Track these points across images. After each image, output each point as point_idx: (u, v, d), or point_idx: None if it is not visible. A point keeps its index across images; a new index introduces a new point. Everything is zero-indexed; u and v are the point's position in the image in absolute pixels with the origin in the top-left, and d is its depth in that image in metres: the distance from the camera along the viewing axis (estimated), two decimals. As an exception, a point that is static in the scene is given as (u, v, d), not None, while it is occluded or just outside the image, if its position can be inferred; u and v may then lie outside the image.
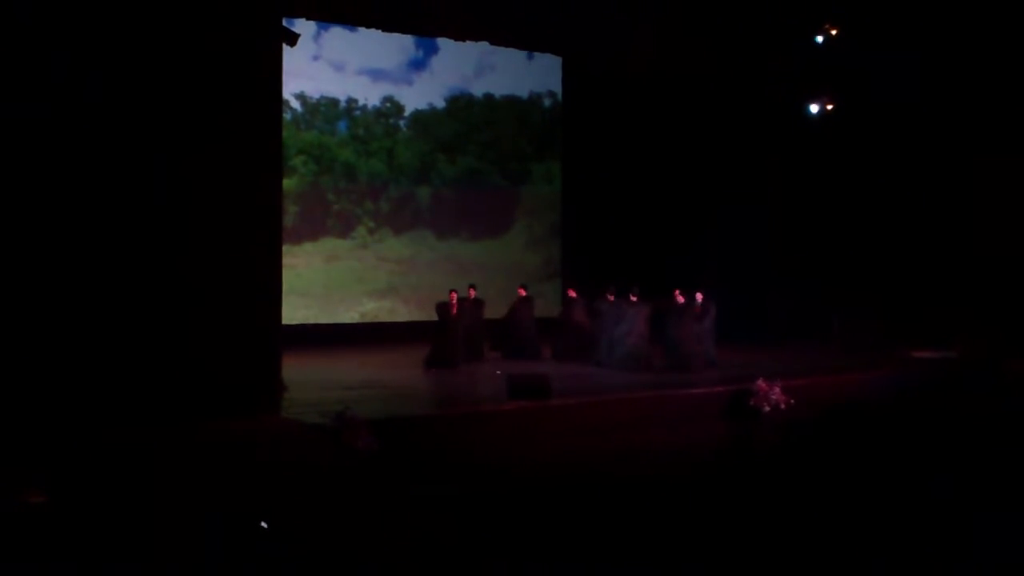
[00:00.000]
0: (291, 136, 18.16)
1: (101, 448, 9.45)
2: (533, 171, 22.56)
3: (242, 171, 11.63)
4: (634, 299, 16.17)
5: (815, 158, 19.85)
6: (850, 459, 10.94)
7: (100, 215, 10.82)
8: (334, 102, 19.83)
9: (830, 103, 19.11)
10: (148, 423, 10.26)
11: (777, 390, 13.43)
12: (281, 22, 12.73)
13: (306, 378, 13.83)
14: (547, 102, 22.70)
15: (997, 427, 12.86)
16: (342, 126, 19.98)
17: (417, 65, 20.95)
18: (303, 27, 16.68)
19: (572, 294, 17.81)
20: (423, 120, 20.97)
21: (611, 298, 16.54)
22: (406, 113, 20.72)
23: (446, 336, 16.05)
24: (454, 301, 16.14)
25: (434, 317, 16.34)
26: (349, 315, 19.97)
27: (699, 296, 16.32)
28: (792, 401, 13.41)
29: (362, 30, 19.81)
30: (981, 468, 10.36)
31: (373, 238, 20.37)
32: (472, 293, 17.05)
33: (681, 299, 16.11)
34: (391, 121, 20.58)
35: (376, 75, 20.37)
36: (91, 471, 8.88)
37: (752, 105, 19.66)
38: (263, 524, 6.09)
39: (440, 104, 21.20)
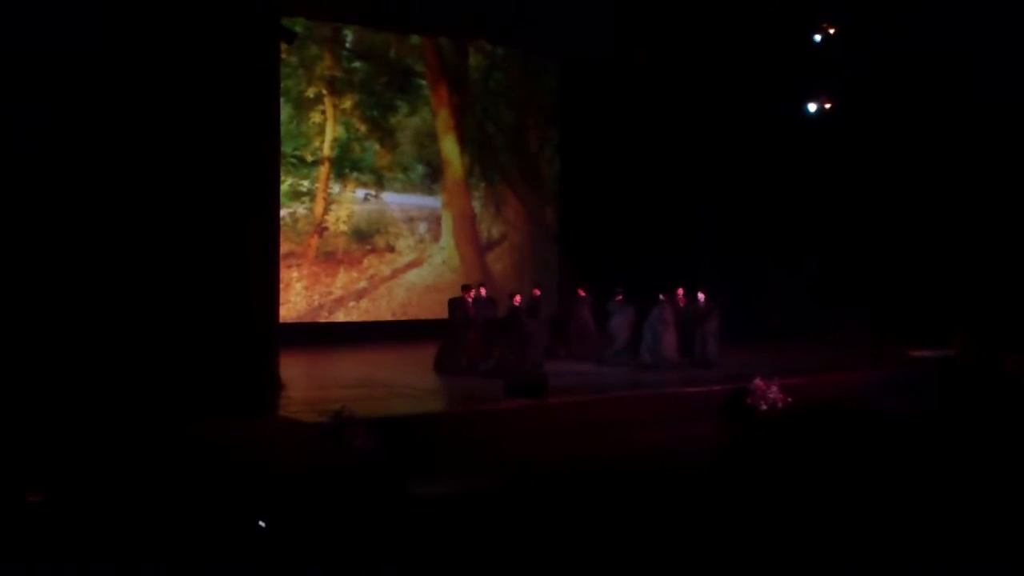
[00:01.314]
0: (287, 134, 18.13)
1: (98, 446, 9.45)
2: (531, 170, 22.55)
3: (239, 169, 11.63)
4: (582, 294, 17.14)
5: (813, 157, 19.85)
6: (845, 460, 10.92)
7: (98, 216, 10.83)
8: (330, 101, 19.78)
9: (828, 102, 19.12)
10: (145, 421, 10.26)
11: (775, 388, 13.44)
12: (279, 21, 12.75)
13: (303, 377, 13.83)
14: (544, 101, 22.69)
15: (996, 425, 12.84)
16: (338, 124, 19.94)
17: (414, 64, 20.94)
18: (299, 26, 16.68)
19: (581, 293, 17.82)
20: (420, 119, 20.95)
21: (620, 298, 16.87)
22: (403, 113, 20.70)
23: (456, 337, 15.24)
24: (471, 299, 15.38)
25: (432, 317, 15.99)
26: (347, 314, 19.96)
27: (660, 296, 16.55)
28: (790, 400, 13.42)
29: (358, 29, 19.80)
30: (979, 468, 10.35)
31: (370, 238, 20.34)
32: (536, 292, 17.02)
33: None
34: (388, 120, 20.55)
35: (372, 74, 20.34)
36: (88, 470, 8.87)
37: (750, 104, 19.65)
38: (261, 523, 6.10)
39: (437, 103, 21.18)
